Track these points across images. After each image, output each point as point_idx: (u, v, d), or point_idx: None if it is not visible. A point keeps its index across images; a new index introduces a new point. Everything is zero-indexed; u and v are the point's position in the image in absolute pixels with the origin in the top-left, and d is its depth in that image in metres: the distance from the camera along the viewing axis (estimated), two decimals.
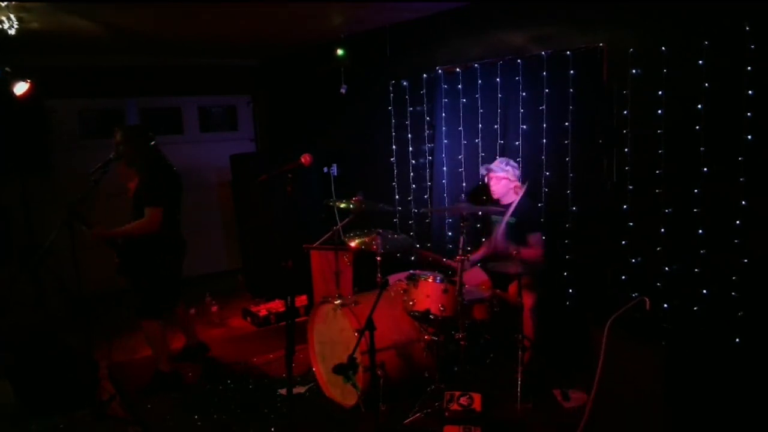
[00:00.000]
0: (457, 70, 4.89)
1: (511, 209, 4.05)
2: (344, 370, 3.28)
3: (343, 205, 4.48)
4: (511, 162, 4.22)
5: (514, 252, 3.71)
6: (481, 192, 4.54)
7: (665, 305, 3.70)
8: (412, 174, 5.53)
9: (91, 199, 3.91)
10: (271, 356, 4.82)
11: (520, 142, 4.48)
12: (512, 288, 3.89)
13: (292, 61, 7.01)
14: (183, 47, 6.26)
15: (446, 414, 3.42)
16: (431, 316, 3.65)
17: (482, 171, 4.33)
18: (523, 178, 4.32)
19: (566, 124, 4.16)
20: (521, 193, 4.17)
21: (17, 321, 5.52)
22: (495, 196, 4.24)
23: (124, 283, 4.29)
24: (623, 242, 3.93)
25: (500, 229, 4.08)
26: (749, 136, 3.26)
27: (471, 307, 3.74)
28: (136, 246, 4.12)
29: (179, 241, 4.33)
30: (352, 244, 4.22)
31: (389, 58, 5.48)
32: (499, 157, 4.46)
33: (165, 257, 4.22)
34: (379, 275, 4.06)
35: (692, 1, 3.45)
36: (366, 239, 4.19)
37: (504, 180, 4.16)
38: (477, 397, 3.43)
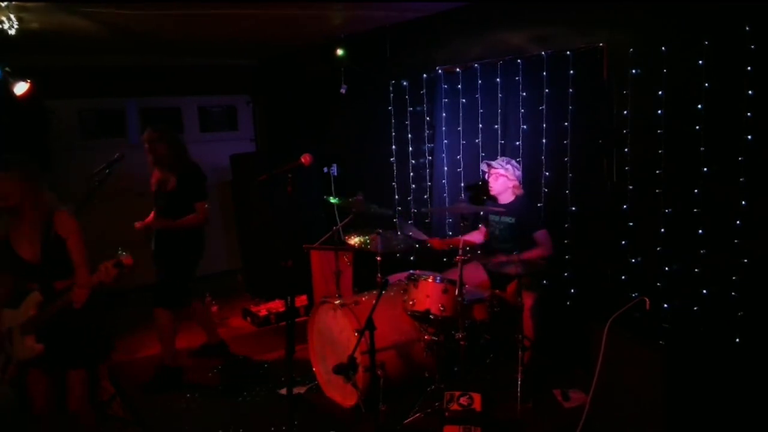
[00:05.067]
0: (457, 70, 4.89)
1: (501, 206, 4.14)
2: (344, 370, 3.28)
3: (333, 200, 4.63)
4: (513, 162, 4.22)
5: (516, 259, 3.71)
6: (480, 189, 4.55)
7: (665, 305, 3.70)
8: (412, 174, 5.53)
9: (93, 199, 3.90)
10: (271, 356, 4.82)
11: (520, 142, 4.48)
12: (511, 288, 3.89)
13: (292, 61, 7.01)
14: (183, 47, 6.26)
15: (446, 414, 3.42)
16: (431, 316, 3.65)
17: (483, 167, 4.34)
18: (523, 178, 4.33)
19: (566, 124, 4.16)
20: (519, 194, 4.18)
21: None
22: (492, 192, 4.25)
23: (140, 274, 4.35)
24: (623, 242, 3.93)
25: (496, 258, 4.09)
26: (749, 136, 3.26)
27: (471, 307, 3.74)
28: (177, 236, 4.29)
29: (203, 234, 4.50)
30: (352, 244, 4.23)
31: (389, 58, 5.48)
32: (500, 156, 4.47)
33: (197, 250, 4.44)
34: (379, 275, 4.06)
35: (692, 1, 3.45)
36: (366, 239, 4.20)
37: (502, 177, 4.17)
38: (477, 397, 3.43)
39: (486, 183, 4.30)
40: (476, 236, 4.48)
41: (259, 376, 4.47)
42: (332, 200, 4.77)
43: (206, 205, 4.37)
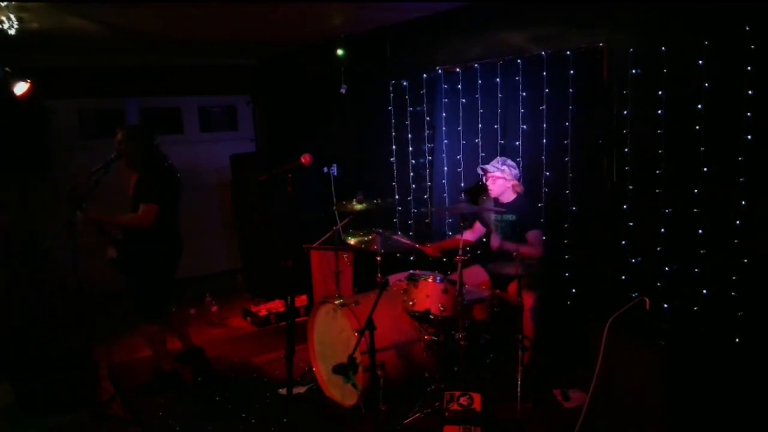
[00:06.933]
0: (457, 70, 4.89)
1: (502, 205, 4.17)
2: (344, 370, 3.28)
3: (359, 207, 4.34)
4: (508, 161, 4.22)
5: (514, 252, 3.72)
6: (478, 191, 4.55)
7: (665, 305, 3.70)
8: (412, 174, 5.53)
9: (91, 198, 3.91)
10: (271, 356, 4.83)
11: (520, 142, 4.48)
12: (512, 288, 3.89)
13: (292, 61, 7.01)
14: (183, 47, 6.26)
15: (446, 414, 3.42)
16: (431, 316, 3.65)
17: (479, 171, 4.34)
18: (523, 178, 4.33)
19: (566, 124, 4.16)
20: (520, 191, 4.19)
21: (17, 321, 5.52)
22: (492, 195, 4.25)
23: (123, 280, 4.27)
24: (623, 242, 3.93)
25: (493, 232, 4.15)
26: (749, 136, 3.26)
27: (471, 307, 3.74)
28: (133, 243, 4.09)
29: (177, 240, 4.28)
30: (352, 244, 4.23)
31: (389, 58, 5.47)
32: (497, 157, 4.47)
33: (161, 257, 4.17)
34: (379, 275, 4.06)
35: (692, 1, 3.45)
36: (366, 239, 4.20)
37: (500, 179, 4.17)
38: (477, 397, 3.43)
39: (484, 186, 4.30)
40: (470, 235, 4.47)
41: (257, 376, 4.47)
42: (358, 207, 4.39)
43: (152, 208, 3.98)
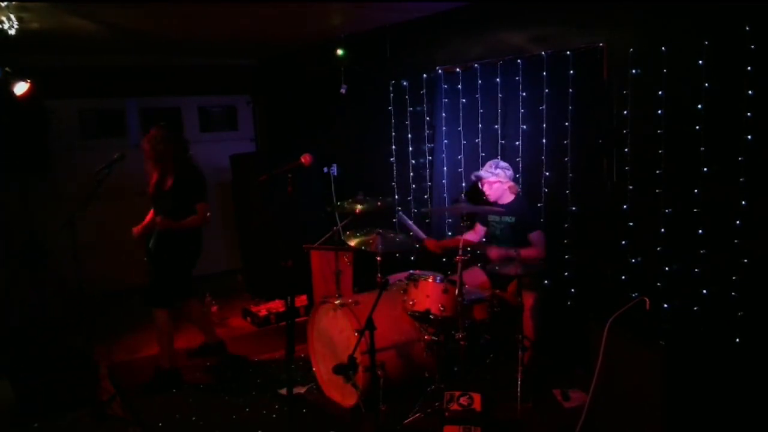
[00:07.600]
0: (457, 70, 4.89)
1: (501, 207, 4.17)
2: (344, 370, 3.29)
3: (360, 207, 4.35)
4: (501, 163, 4.23)
5: (514, 254, 3.72)
6: (477, 193, 4.56)
7: (665, 305, 3.70)
8: (412, 174, 5.53)
9: (96, 198, 3.92)
10: (271, 356, 4.82)
11: (520, 142, 4.48)
12: (512, 288, 3.89)
13: (292, 61, 7.02)
14: (183, 47, 6.27)
15: (446, 414, 3.42)
16: (431, 316, 3.65)
17: (473, 178, 4.34)
18: (523, 178, 4.33)
19: (566, 124, 4.16)
20: (517, 192, 4.19)
21: (17, 321, 5.53)
22: (490, 200, 4.26)
23: (139, 275, 4.36)
24: (623, 242, 3.93)
25: (491, 246, 4.16)
26: (749, 136, 3.26)
27: (471, 307, 3.74)
28: (177, 237, 4.22)
29: (201, 238, 4.46)
30: (352, 244, 4.23)
31: (389, 58, 5.47)
32: (499, 157, 4.47)
33: (195, 250, 4.39)
34: (379, 275, 4.06)
35: (692, 1, 3.46)
36: (366, 239, 4.20)
37: (495, 183, 4.18)
38: (477, 397, 3.43)
39: (479, 190, 4.31)
40: (472, 236, 4.48)
41: (257, 376, 4.47)
42: (360, 206, 4.41)
43: (207, 206, 4.32)
